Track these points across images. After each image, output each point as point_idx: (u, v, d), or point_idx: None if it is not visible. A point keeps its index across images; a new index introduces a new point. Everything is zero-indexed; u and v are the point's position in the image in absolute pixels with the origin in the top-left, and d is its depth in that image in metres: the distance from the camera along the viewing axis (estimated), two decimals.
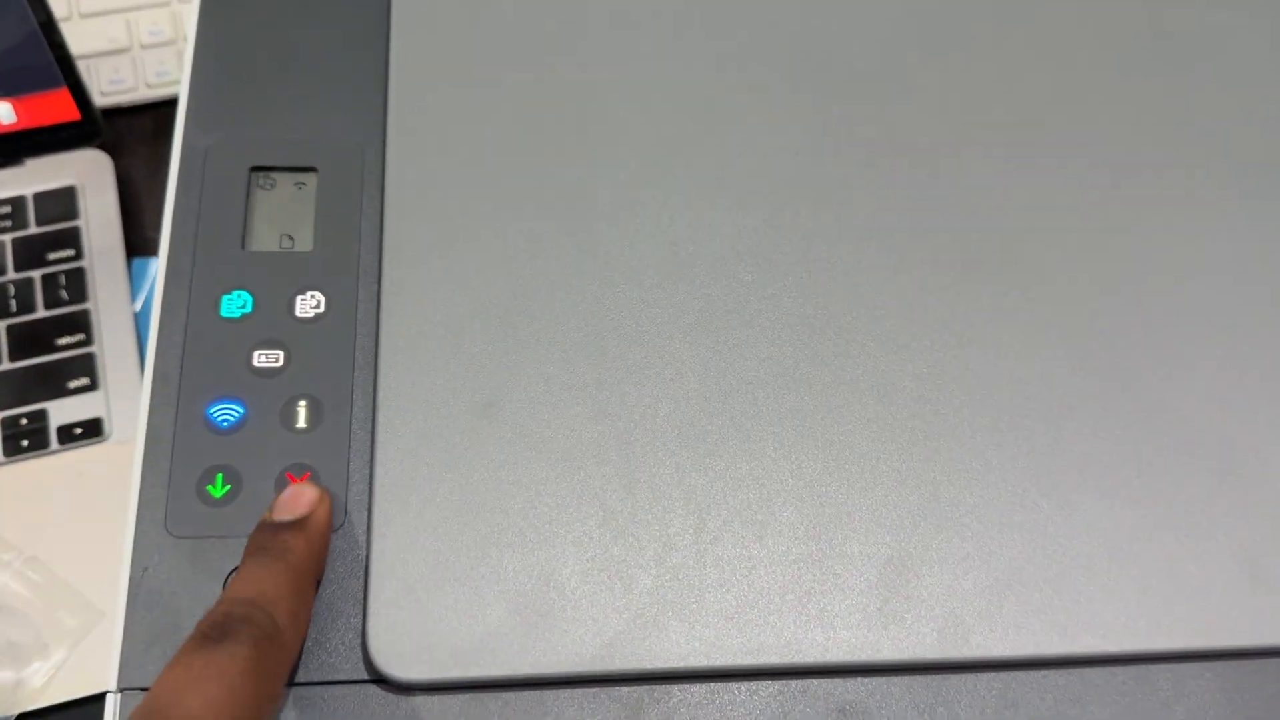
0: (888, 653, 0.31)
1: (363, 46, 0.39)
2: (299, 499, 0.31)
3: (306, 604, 0.30)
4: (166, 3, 0.60)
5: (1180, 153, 0.39)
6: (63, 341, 0.52)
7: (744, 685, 0.31)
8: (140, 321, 0.53)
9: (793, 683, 0.31)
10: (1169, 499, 0.33)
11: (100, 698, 0.42)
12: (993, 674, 0.31)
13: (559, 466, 0.32)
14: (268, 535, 0.30)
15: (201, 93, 0.37)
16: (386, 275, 0.34)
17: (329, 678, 0.30)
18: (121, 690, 0.29)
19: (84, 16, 0.59)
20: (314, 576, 0.30)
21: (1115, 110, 0.40)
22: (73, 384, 0.51)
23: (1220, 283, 0.37)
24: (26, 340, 0.52)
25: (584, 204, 0.36)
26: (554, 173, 0.36)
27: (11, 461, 0.49)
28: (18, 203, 0.54)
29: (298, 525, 0.30)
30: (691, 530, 0.32)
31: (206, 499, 0.32)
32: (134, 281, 0.54)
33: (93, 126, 0.56)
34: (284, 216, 0.36)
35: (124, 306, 0.53)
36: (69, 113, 0.55)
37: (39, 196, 0.55)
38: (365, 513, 0.32)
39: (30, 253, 0.53)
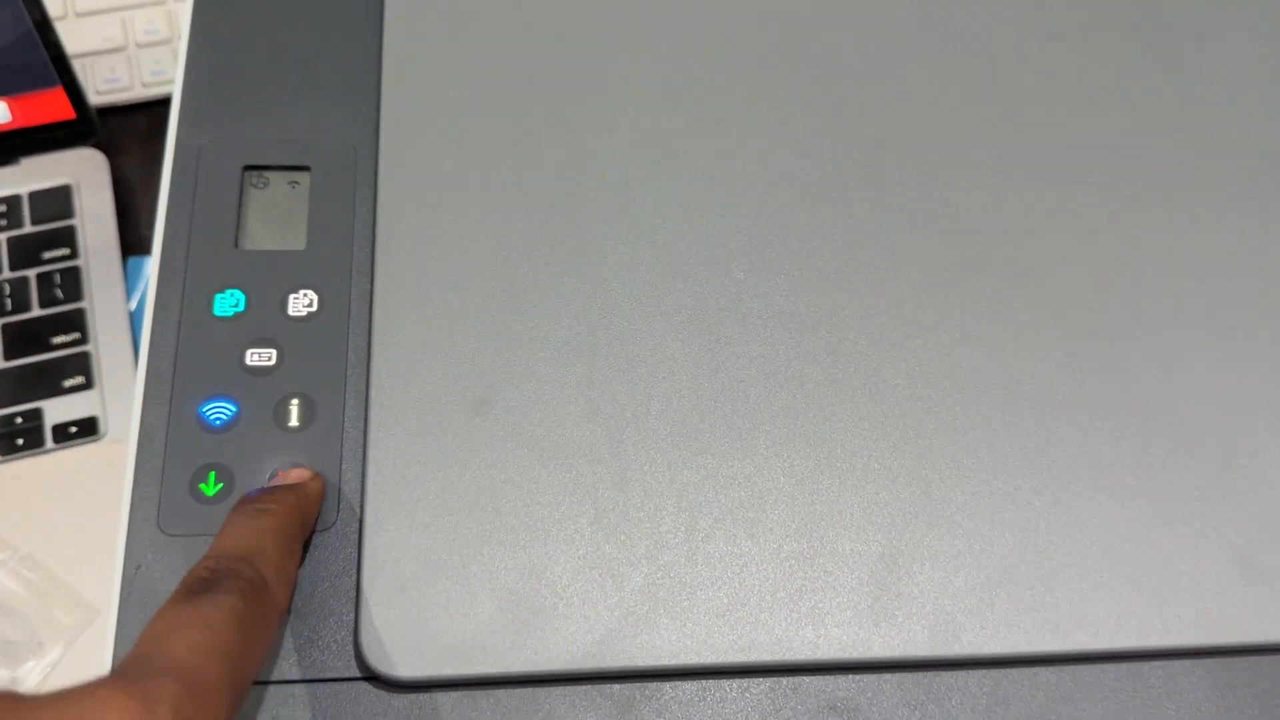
0: (879, 650, 0.31)
1: (356, 46, 0.39)
2: (290, 474, 0.31)
3: (293, 561, 0.29)
4: (162, 1, 0.60)
5: (1176, 152, 0.39)
6: (58, 340, 0.52)
7: (735, 682, 0.31)
8: (136, 320, 0.53)
9: (784, 680, 0.31)
10: (1160, 496, 0.33)
11: None
12: (984, 671, 0.32)
13: (551, 464, 0.32)
14: (256, 494, 0.30)
15: (195, 92, 0.38)
16: (379, 274, 0.34)
17: (321, 675, 0.30)
18: None
19: (79, 15, 0.59)
20: (301, 537, 0.30)
21: (1110, 107, 0.40)
22: (68, 383, 0.51)
23: (1211, 280, 0.37)
24: (22, 339, 0.52)
25: (576, 202, 0.36)
26: (546, 171, 0.36)
27: (7, 460, 0.49)
28: (13, 201, 0.54)
29: (288, 487, 0.30)
30: (683, 528, 0.32)
31: (199, 497, 0.32)
32: (129, 280, 0.54)
33: (88, 125, 0.55)
34: (277, 215, 0.36)
35: (119, 305, 0.53)
36: (64, 111, 0.55)
37: (34, 195, 0.55)
38: (358, 511, 0.32)
39: (25, 251, 0.53)
